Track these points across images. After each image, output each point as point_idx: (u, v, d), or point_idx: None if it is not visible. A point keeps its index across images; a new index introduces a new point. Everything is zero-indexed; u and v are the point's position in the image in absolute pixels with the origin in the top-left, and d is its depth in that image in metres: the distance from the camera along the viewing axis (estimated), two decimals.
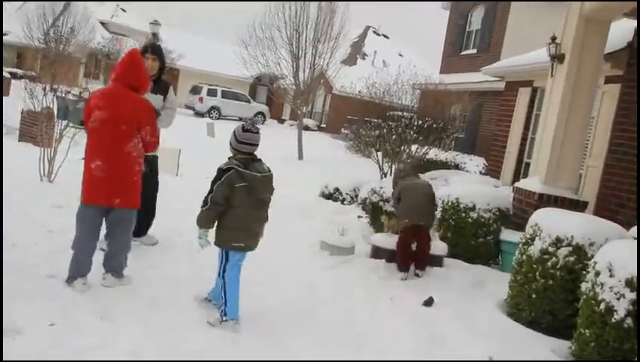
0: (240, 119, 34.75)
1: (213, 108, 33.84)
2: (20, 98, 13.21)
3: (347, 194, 9.79)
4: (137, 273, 5.03)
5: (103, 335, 3.87)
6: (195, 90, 34.45)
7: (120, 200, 4.71)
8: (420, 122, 12.17)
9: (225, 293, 4.25)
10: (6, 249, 5.39)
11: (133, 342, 3.83)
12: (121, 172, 4.71)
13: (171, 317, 4.29)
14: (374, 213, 7.55)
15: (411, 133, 11.99)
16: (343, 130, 28.58)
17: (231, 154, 4.31)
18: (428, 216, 6.22)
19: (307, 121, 29.87)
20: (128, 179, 4.77)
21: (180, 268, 5.46)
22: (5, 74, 29.55)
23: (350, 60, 34.03)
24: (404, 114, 13.46)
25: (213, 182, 4.16)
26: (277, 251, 6.40)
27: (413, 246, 6.06)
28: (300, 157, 18.04)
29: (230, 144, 4.31)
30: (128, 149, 4.69)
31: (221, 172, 4.15)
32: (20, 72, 36.62)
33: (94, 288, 4.67)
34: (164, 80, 6.01)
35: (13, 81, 26.96)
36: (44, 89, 10.70)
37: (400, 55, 38.03)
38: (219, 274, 4.36)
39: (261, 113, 36.19)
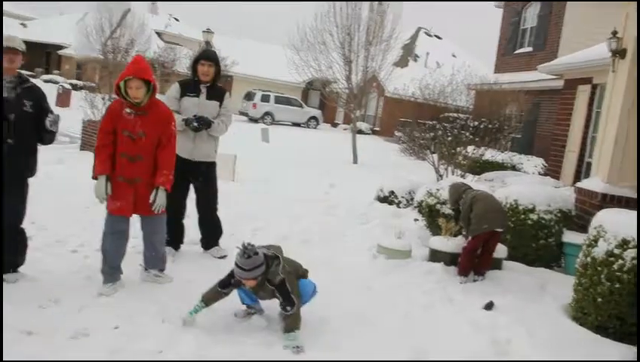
0: (293, 124, 35.02)
1: (266, 113, 34.25)
2: (80, 108, 13.68)
3: (402, 197, 9.72)
4: (197, 277, 5.11)
5: (166, 337, 3.96)
6: (249, 96, 34.93)
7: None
8: (476, 123, 11.99)
9: None
10: (67, 254, 5.59)
11: (197, 344, 3.90)
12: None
13: (229, 322, 4.35)
14: (431, 215, 7.47)
15: (467, 134, 11.83)
16: (396, 132, 28.43)
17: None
18: (506, 220, 6.15)
19: (360, 125, 29.79)
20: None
21: None
22: (66, 85, 30.58)
23: (402, 62, 33.81)
24: (459, 115, 13.30)
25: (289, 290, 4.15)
26: (335, 255, 6.44)
27: (478, 251, 5.98)
28: (355, 161, 18.02)
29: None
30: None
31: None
32: (80, 83, 37.91)
33: (153, 292, 4.78)
34: (219, 86, 6.04)
35: (73, 92, 27.88)
36: (104, 98, 11.04)
37: (453, 56, 37.58)
38: None
39: (314, 117, 36.38)
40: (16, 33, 38.20)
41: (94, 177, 4.68)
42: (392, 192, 9.82)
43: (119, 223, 4.77)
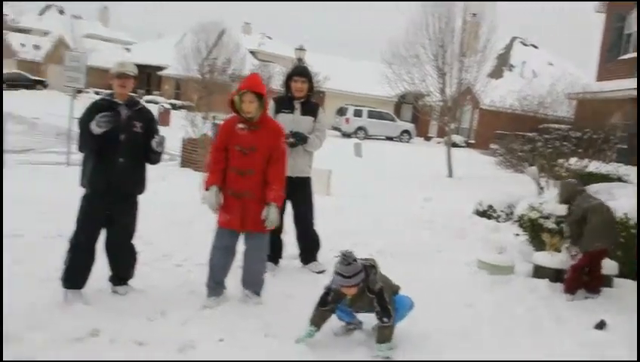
0: (386, 138, 34.95)
1: (359, 128, 34.41)
2: (182, 127, 14.25)
3: (501, 211, 9.47)
4: (297, 292, 5.18)
5: (269, 351, 4.01)
6: (341, 112, 35.25)
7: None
8: (579, 134, 11.52)
9: None
10: (171, 268, 5.79)
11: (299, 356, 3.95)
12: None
13: (330, 340, 4.35)
14: (533, 230, 7.22)
15: (569, 145, 11.39)
16: (491, 145, 27.76)
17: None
18: (618, 236, 5.87)
19: (454, 138, 29.33)
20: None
21: None
22: (166, 105, 31.95)
23: (496, 73, 33.05)
24: (560, 126, 12.84)
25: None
26: (434, 271, 6.35)
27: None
28: (450, 174, 17.74)
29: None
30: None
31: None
32: (178, 102, 39.53)
33: (255, 306, 4.86)
34: (313, 101, 6.06)
35: (173, 111, 29.08)
36: (204, 117, 11.46)
37: (550, 64, 36.39)
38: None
39: (407, 131, 36.17)
40: (120, 57, 40.49)
41: (206, 188, 4.81)
42: (491, 206, 9.59)
43: (228, 238, 4.85)
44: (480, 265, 6.46)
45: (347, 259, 4.04)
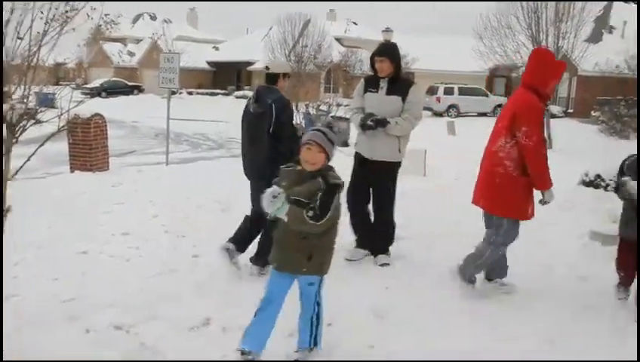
0: (479, 114, 34.09)
1: (451, 106, 33.77)
2: None
3: (610, 180, 8.98)
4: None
5: (379, 334, 4.00)
6: (432, 91, 34.69)
7: (482, 202, 4.72)
8: None
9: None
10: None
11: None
12: (482, 171, 4.76)
13: (444, 318, 4.29)
14: None
15: None
16: (592, 112, 26.48)
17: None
18: None
19: (552, 108, 28.18)
20: (486, 179, 4.69)
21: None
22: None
23: (595, 37, 31.42)
24: None
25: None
26: (542, 244, 6.13)
27: None
28: (550, 145, 17.05)
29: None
30: (495, 148, 4.59)
31: None
32: None
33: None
34: (404, 79, 5.75)
35: None
36: (296, 107, 11.56)
37: None
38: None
39: (500, 105, 35.07)
40: (210, 56, 41.49)
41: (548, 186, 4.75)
42: (599, 176, 9.11)
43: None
44: (592, 236, 6.16)
45: (333, 128, 3.62)
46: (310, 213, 3.25)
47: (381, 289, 4.83)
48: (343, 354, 3.72)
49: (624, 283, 4.72)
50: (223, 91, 48.60)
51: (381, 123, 5.37)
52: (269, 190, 3.23)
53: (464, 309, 4.42)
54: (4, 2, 4.66)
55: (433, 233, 6.54)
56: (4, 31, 4.67)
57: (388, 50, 5.60)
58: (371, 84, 5.60)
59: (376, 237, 5.70)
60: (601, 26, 34.23)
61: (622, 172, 4.69)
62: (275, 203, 3.20)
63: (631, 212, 4.57)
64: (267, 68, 5.35)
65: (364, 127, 5.41)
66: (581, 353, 3.75)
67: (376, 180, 5.61)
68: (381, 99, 5.48)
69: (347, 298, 4.53)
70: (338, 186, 3.34)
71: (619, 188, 4.67)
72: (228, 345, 3.64)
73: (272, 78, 5.23)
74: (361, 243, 5.72)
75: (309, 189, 3.30)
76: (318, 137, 3.42)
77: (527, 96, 4.51)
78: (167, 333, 3.91)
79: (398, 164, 5.66)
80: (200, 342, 3.85)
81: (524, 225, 4.74)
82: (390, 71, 5.49)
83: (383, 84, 5.51)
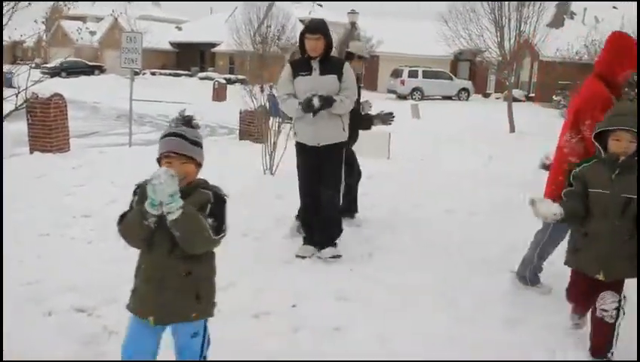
0: (444, 97, 34.36)
1: (415, 89, 33.92)
2: (235, 101, 14.35)
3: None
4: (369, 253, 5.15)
5: (344, 317, 4.00)
6: (396, 74, 34.76)
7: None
8: None
9: None
10: (236, 238, 5.76)
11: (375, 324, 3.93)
12: (551, 166, 4.54)
13: (413, 301, 4.31)
14: None
15: None
16: (554, 97, 26.90)
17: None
18: None
19: (514, 92, 28.62)
20: (552, 175, 4.42)
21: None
22: (221, 80, 32.20)
23: (556, 22, 31.86)
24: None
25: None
26: (507, 228, 6.15)
27: None
28: (512, 130, 17.33)
29: None
30: (562, 143, 4.32)
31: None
32: (232, 77, 39.83)
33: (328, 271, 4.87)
34: (335, 58, 5.35)
35: (228, 86, 29.32)
36: (262, 88, 11.43)
37: (614, 7, 34.73)
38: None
39: (465, 89, 35.46)
40: (172, 36, 40.65)
41: None
42: None
43: None
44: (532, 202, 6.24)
45: (189, 119, 2.71)
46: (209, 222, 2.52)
47: (345, 273, 4.86)
48: (307, 335, 3.74)
49: (578, 312, 3.83)
50: (186, 72, 47.93)
51: (328, 101, 4.93)
52: (161, 169, 2.43)
53: (427, 291, 4.47)
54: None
55: (397, 216, 6.57)
56: None
57: (321, 27, 5.09)
58: (300, 67, 5.14)
59: (325, 224, 5.30)
60: (563, 12, 34.71)
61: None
62: (172, 185, 2.37)
63: (580, 239, 3.48)
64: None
65: (309, 108, 4.93)
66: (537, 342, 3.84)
67: (326, 166, 5.22)
68: (316, 80, 5.04)
69: (310, 282, 4.55)
70: (225, 201, 2.64)
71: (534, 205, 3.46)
72: None
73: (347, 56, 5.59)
74: (310, 240, 5.34)
75: (199, 201, 2.56)
76: (177, 145, 2.57)
77: (594, 85, 4.19)
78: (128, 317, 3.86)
79: (345, 144, 5.32)
80: None
81: (490, 208, 4.78)
82: (323, 50, 5.05)
83: (315, 65, 5.06)
